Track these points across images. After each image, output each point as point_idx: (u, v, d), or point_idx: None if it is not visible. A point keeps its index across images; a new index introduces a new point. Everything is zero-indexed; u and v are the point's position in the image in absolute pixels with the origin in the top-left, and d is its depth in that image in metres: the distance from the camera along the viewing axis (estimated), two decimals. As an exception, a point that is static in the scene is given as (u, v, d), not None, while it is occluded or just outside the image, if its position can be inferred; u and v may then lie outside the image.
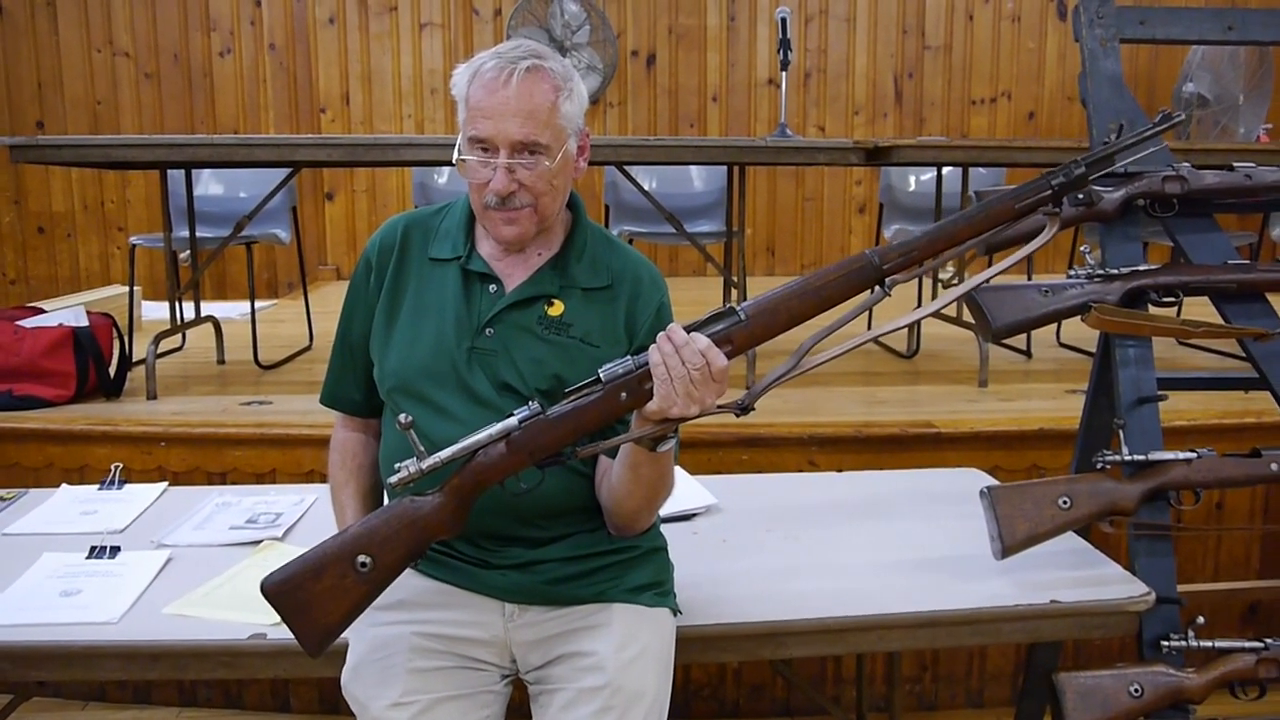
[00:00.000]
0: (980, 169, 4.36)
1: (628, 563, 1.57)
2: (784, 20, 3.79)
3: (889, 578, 1.85)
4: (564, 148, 1.49)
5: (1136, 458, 1.84)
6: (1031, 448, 2.84)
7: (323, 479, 1.94)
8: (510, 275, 1.56)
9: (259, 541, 2.00)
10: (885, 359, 3.96)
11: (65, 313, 3.26)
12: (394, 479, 1.36)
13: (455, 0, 6.41)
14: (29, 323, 3.17)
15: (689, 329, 1.35)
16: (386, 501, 1.51)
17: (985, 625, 1.76)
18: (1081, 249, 2.02)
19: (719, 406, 1.37)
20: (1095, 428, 2.10)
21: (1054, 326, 4.02)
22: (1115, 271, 1.98)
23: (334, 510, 1.67)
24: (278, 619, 1.38)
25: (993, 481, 2.29)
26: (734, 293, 3.51)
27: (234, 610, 1.69)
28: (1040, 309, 1.96)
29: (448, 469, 1.38)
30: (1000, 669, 2.85)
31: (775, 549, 1.99)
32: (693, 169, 4.64)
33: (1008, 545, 1.78)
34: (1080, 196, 1.91)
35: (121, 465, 2.40)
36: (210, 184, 4.45)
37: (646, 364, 1.34)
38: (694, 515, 2.16)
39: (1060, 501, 1.80)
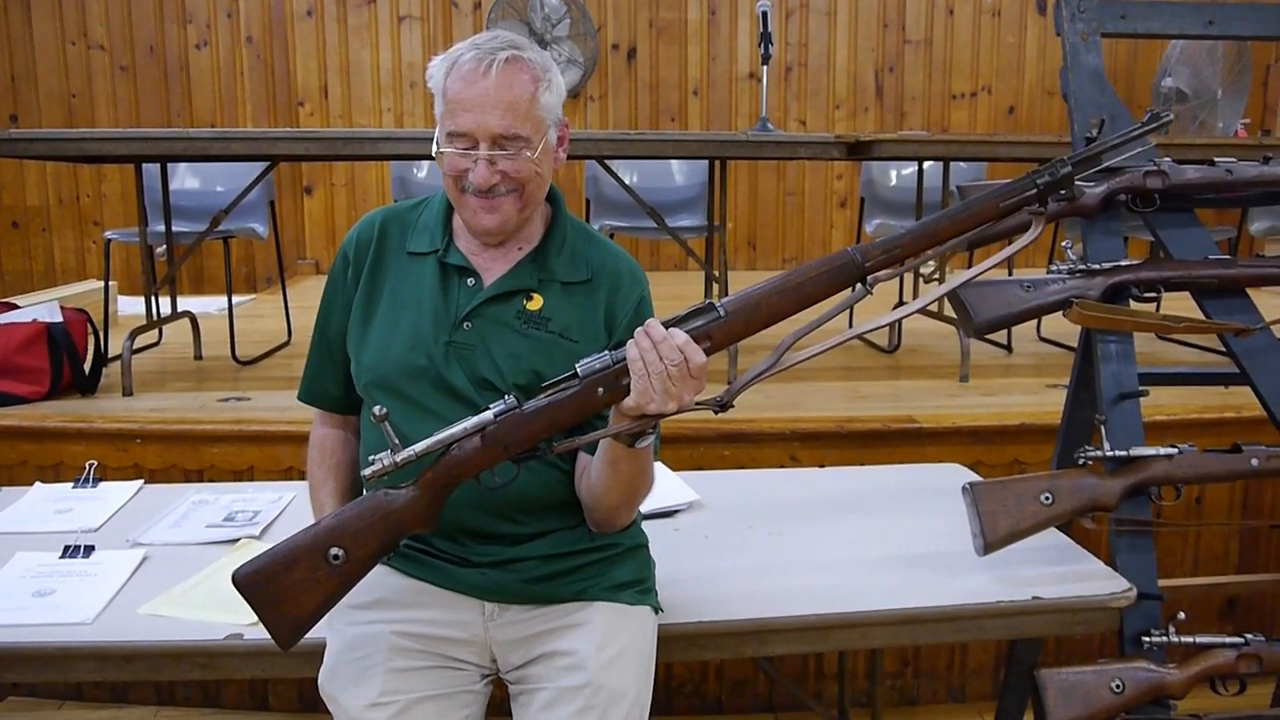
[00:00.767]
0: (961, 163, 4.36)
1: (608, 560, 1.56)
2: (765, 14, 3.78)
3: (871, 574, 1.85)
4: (544, 138, 1.47)
5: (1118, 453, 1.84)
6: (1013, 443, 2.84)
7: (301, 476, 1.92)
8: (489, 269, 1.54)
9: (236, 540, 1.98)
10: (867, 354, 3.96)
11: (39, 308, 3.22)
12: (368, 471, 1.36)
13: (435, -7, 6.39)
14: (2, 318, 3.13)
15: (668, 324, 1.34)
16: (364, 497, 1.49)
17: (967, 622, 1.75)
18: (1063, 244, 2.02)
19: (698, 403, 1.36)
20: (1077, 423, 2.10)
21: (1035, 321, 4.03)
22: (1097, 267, 1.98)
23: (312, 508, 1.65)
24: (255, 619, 1.37)
25: (974, 477, 2.28)
26: (715, 287, 3.50)
27: (211, 610, 1.67)
28: (1022, 304, 1.95)
29: (422, 462, 1.37)
30: (982, 664, 2.86)
31: (757, 545, 1.98)
32: (674, 163, 4.62)
33: (990, 542, 1.77)
34: (1062, 192, 1.90)
35: (96, 463, 2.37)
36: (187, 178, 4.40)
37: (624, 359, 1.33)
38: (676, 512, 2.15)
39: (1042, 497, 1.80)
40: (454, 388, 1.49)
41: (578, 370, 1.36)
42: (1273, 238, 4.67)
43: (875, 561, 1.90)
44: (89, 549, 1.89)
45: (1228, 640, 1.78)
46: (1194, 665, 1.76)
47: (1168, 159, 2.01)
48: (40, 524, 2.07)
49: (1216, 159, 2.01)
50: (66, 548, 1.89)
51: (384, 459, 1.34)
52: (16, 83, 6.31)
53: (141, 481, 2.33)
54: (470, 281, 1.53)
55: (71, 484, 2.28)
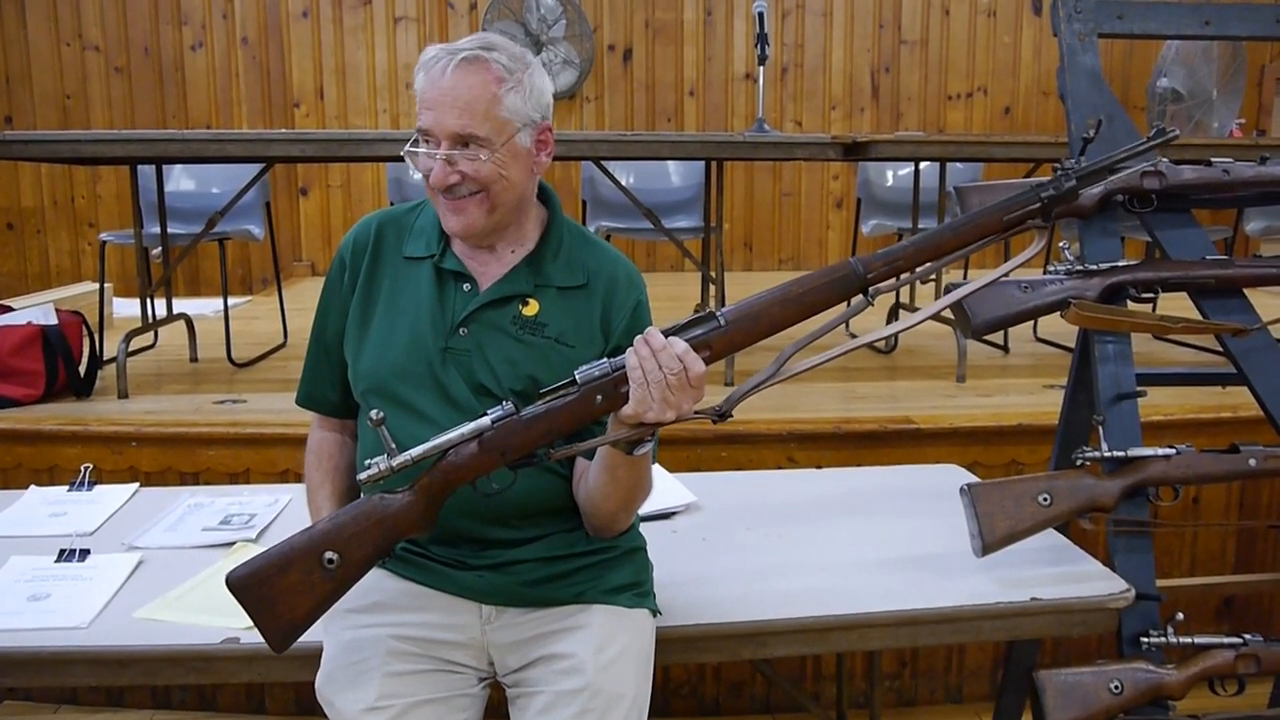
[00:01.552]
0: (958, 164, 4.37)
1: (606, 563, 1.55)
2: (761, 14, 3.78)
3: (869, 576, 1.85)
4: (509, 140, 1.45)
5: (1116, 454, 1.84)
6: (1010, 443, 2.84)
7: (298, 479, 1.92)
8: (484, 274, 1.54)
9: (233, 543, 1.97)
10: (863, 355, 3.95)
11: (34, 310, 3.21)
12: (363, 476, 1.35)
13: (430, -6, 6.38)
14: (-3, 321, 3.12)
15: (667, 333, 1.34)
16: (362, 501, 1.49)
17: (966, 623, 1.75)
18: (1060, 245, 2.02)
19: (696, 412, 1.35)
20: (1074, 424, 2.10)
21: (1032, 321, 4.03)
22: (1094, 267, 1.97)
23: (309, 511, 1.64)
24: (251, 623, 1.36)
25: (972, 478, 2.28)
26: (712, 288, 3.49)
27: (207, 614, 1.67)
28: (1020, 305, 1.95)
29: (419, 467, 1.36)
30: (980, 665, 2.86)
31: (755, 547, 1.98)
32: (670, 164, 4.62)
33: (988, 543, 1.77)
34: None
35: (91, 466, 2.36)
36: (182, 179, 4.40)
37: (623, 367, 1.33)
38: (673, 514, 2.15)
39: (1040, 498, 1.80)
40: (451, 393, 1.48)
41: (576, 377, 1.35)
42: (1269, 237, 4.68)
43: (873, 563, 1.90)
44: (84, 553, 1.88)
45: (1226, 640, 1.78)
46: (1192, 666, 1.76)
47: (1164, 160, 2.00)
48: (35, 528, 2.06)
49: (1213, 159, 2.01)
50: (62, 551, 1.88)
51: (380, 464, 1.34)
52: (11, 84, 6.29)
53: (137, 485, 2.32)
54: (466, 287, 1.52)
55: (66, 487, 2.28)
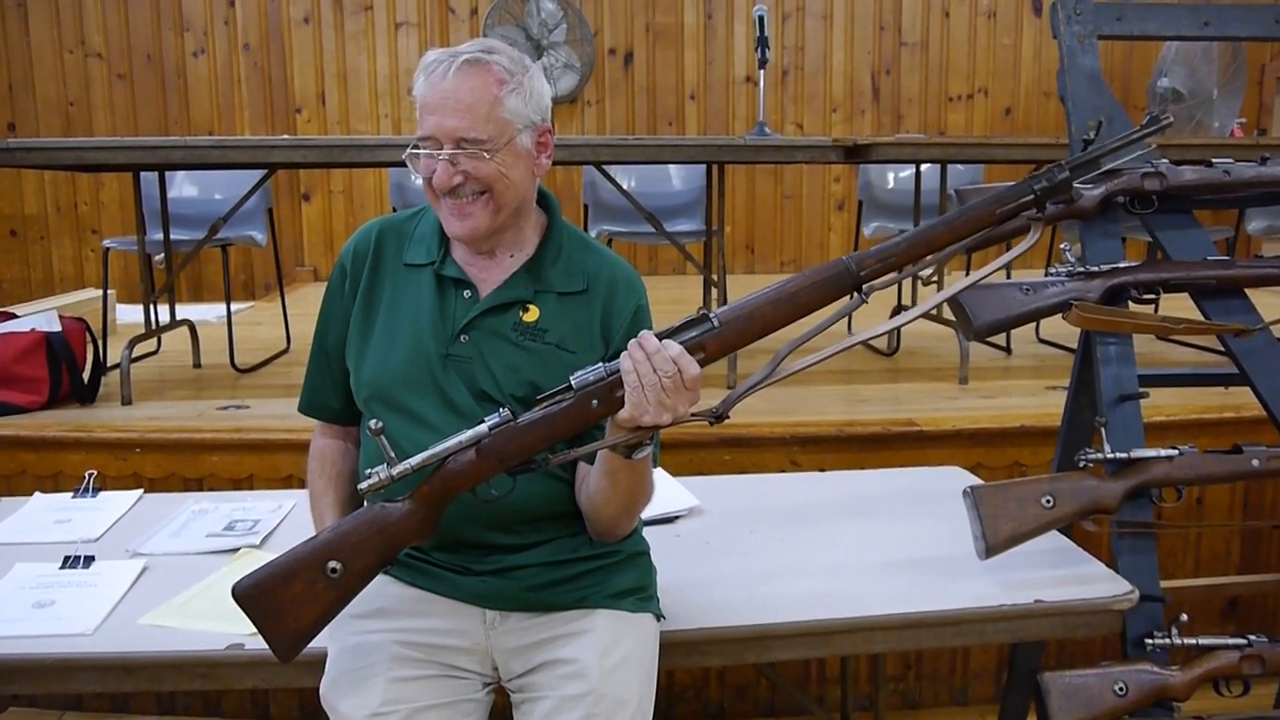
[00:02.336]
0: (959, 166, 4.36)
1: (609, 568, 1.55)
2: (761, 18, 3.78)
3: (873, 579, 1.84)
4: (510, 141, 1.46)
5: (1119, 455, 1.84)
6: (1013, 445, 2.84)
7: (301, 484, 1.92)
8: (484, 280, 1.54)
9: (236, 549, 1.97)
10: (866, 357, 3.96)
11: (38, 317, 3.22)
12: (364, 485, 1.35)
13: (431, -1, 6.39)
14: (0, 328, 3.12)
15: (661, 336, 1.34)
16: (365, 508, 1.49)
17: (970, 626, 1.75)
18: (1061, 246, 2.02)
19: (693, 415, 1.36)
20: (1077, 425, 2.10)
21: (1034, 323, 4.02)
22: (1096, 269, 1.97)
23: (313, 518, 1.64)
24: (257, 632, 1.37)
25: (975, 480, 2.29)
26: (714, 291, 3.50)
27: (211, 620, 1.67)
28: (1021, 307, 1.95)
29: (418, 476, 1.37)
30: (984, 667, 2.85)
31: (758, 551, 1.98)
32: (671, 168, 4.63)
33: (991, 545, 1.77)
34: (1060, 195, 1.90)
35: (96, 472, 2.37)
36: (184, 186, 4.41)
37: (618, 371, 1.33)
38: (676, 518, 2.15)
39: (1043, 500, 1.79)
40: (453, 400, 1.49)
41: (572, 383, 1.35)
42: (1270, 237, 4.67)
43: (877, 566, 1.90)
44: (89, 559, 1.89)
45: (1230, 641, 1.77)
46: (1197, 667, 1.75)
47: (1165, 160, 2.00)
48: (40, 534, 2.06)
49: (1214, 160, 2.01)
50: (66, 558, 1.89)
51: (379, 473, 1.34)
52: (14, 91, 6.31)
53: (141, 491, 2.32)
54: (466, 293, 1.53)
55: (71, 494, 2.28)
